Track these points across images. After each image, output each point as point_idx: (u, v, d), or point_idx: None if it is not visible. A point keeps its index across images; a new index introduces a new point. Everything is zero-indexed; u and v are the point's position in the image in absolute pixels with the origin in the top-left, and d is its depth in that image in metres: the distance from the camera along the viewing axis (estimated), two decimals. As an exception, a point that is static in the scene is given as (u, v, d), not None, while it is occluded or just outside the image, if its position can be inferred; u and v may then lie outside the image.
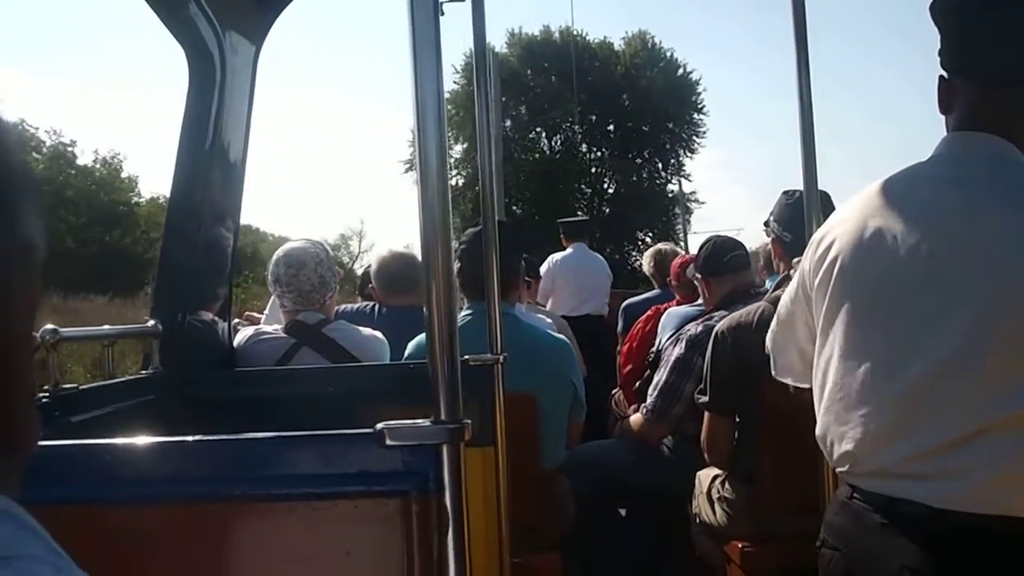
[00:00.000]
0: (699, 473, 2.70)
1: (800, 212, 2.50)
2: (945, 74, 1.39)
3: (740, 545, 2.45)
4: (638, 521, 3.08)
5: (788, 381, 1.61)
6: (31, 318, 0.42)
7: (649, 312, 3.98)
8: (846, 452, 1.33)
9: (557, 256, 5.99)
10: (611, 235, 27.93)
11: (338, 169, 59.59)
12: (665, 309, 3.82)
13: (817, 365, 1.41)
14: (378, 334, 2.54)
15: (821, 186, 1.89)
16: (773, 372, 1.66)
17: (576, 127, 28.40)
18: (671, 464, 3.03)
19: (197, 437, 1.20)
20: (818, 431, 1.41)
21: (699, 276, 3.24)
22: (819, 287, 1.40)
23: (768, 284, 3.58)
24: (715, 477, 2.60)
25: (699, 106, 29.64)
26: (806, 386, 1.49)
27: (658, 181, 30.55)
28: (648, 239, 28.70)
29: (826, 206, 2.12)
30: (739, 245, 3.21)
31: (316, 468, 1.12)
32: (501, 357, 1.97)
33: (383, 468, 1.07)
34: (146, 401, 2.07)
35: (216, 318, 2.30)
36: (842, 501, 1.36)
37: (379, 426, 1.05)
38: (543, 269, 5.58)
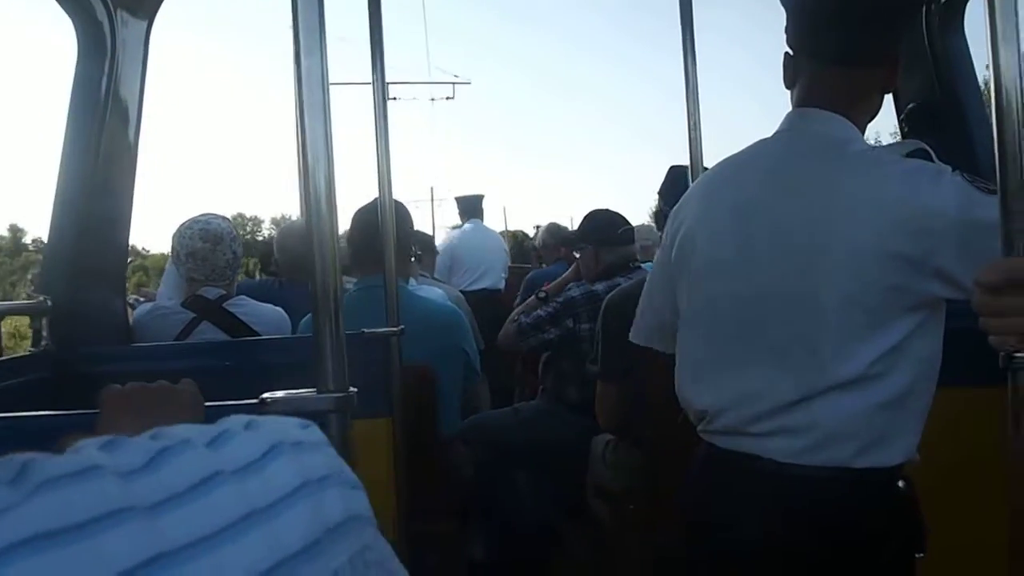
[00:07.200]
0: (594, 438, 2.82)
1: (673, 185, 2.64)
2: (790, 51, 1.44)
3: (632, 507, 2.57)
4: (535, 486, 3.19)
5: (650, 345, 1.66)
6: None
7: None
8: (701, 411, 1.41)
9: (455, 233, 6.12)
10: None
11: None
12: None
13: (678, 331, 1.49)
14: (279, 309, 2.55)
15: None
16: (631, 335, 1.71)
17: None
18: (568, 429, 3.14)
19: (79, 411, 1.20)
20: (676, 389, 1.48)
21: (586, 244, 3.29)
22: (671, 259, 1.49)
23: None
24: (608, 442, 2.71)
25: None
26: (671, 351, 1.55)
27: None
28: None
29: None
30: (626, 220, 3.30)
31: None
32: (398, 329, 2.02)
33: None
34: (36, 379, 2.04)
35: (110, 293, 2.27)
36: (701, 458, 1.44)
37: (263, 396, 1.04)
38: (439, 245, 5.70)
